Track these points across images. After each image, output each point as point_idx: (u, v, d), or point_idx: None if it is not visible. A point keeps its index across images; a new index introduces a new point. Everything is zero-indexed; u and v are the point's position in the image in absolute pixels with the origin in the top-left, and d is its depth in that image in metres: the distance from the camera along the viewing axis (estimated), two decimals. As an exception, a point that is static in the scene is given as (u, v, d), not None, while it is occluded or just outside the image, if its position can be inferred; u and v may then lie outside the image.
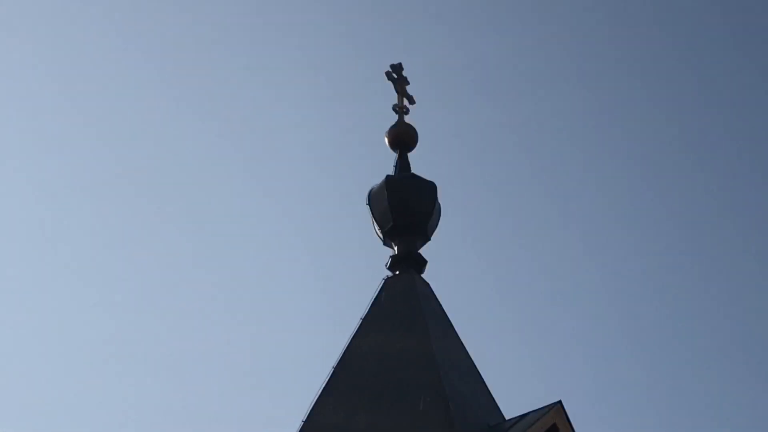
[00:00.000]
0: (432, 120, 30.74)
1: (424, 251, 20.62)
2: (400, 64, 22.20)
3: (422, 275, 20.22)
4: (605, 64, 46.66)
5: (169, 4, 48.27)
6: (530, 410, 17.13)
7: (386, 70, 22.27)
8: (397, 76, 22.11)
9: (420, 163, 21.70)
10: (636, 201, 46.00)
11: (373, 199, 20.80)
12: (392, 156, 21.51)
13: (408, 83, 22.23)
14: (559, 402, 16.47)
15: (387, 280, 20.00)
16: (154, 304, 45.77)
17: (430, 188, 20.77)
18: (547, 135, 46.03)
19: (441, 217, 21.03)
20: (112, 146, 46.11)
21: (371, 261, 23.25)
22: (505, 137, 45.58)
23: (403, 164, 21.23)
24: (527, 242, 44.07)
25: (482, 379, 18.96)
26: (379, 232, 20.76)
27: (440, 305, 19.75)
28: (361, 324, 19.39)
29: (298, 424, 18.13)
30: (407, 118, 22.01)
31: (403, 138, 21.59)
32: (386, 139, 21.69)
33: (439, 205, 20.92)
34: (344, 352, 19.06)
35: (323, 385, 18.70)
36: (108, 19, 47.02)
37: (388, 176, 20.71)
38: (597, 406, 40.29)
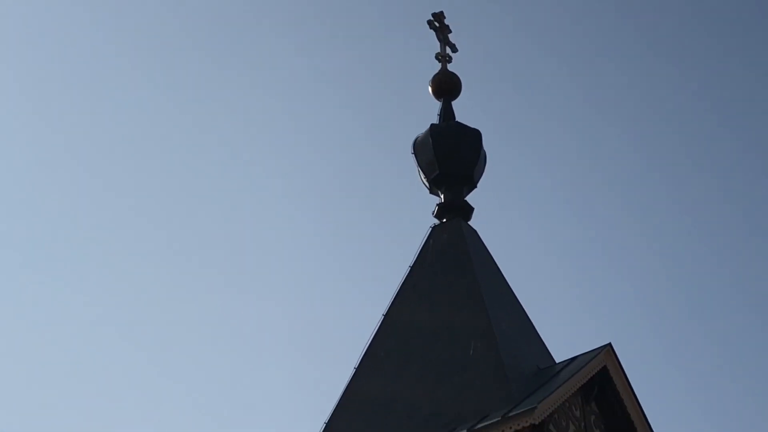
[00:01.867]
0: (475, 68, 30.65)
1: (470, 198, 20.73)
2: (441, 12, 22.18)
3: (469, 222, 20.31)
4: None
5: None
6: (580, 353, 17.21)
7: (428, 19, 22.19)
8: (439, 24, 22.06)
9: (464, 111, 21.63)
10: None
11: (418, 147, 20.89)
12: (436, 105, 21.50)
13: (450, 31, 22.14)
14: (609, 344, 16.50)
15: (434, 228, 20.15)
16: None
17: (474, 135, 20.81)
18: (589, 76, 46.04)
19: (486, 165, 21.10)
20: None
21: (418, 210, 23.16)
22: (550, 82, 45.49)
23: (447, 112, 21.23)
24: (573, 188, 44.32)
25: (531, 322, 19.21)
26: (425, 180, 20.86)
27: (488, 251, 19.90)
28: (409, 272, 19.60)
29: (351, 370, 18.55)
30: (450, 67, 21.99)
31: (446, 86, 21.58)
32: (430, 88, 21.67)
33: (485, 152, 20.95)
34: (393, 300, 19.28)
35: (375, 331, 19.10)
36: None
37: (432, 125, 20.79)
38: (647, 347, 40.62)
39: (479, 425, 15.35)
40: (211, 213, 47.10)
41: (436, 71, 21.78)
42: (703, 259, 45.36)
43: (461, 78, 21.80)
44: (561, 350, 18.79)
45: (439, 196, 20.97)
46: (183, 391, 46.52)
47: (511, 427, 15.01)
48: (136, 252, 46.77)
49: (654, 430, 17.91)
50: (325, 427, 18.44)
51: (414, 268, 20.04)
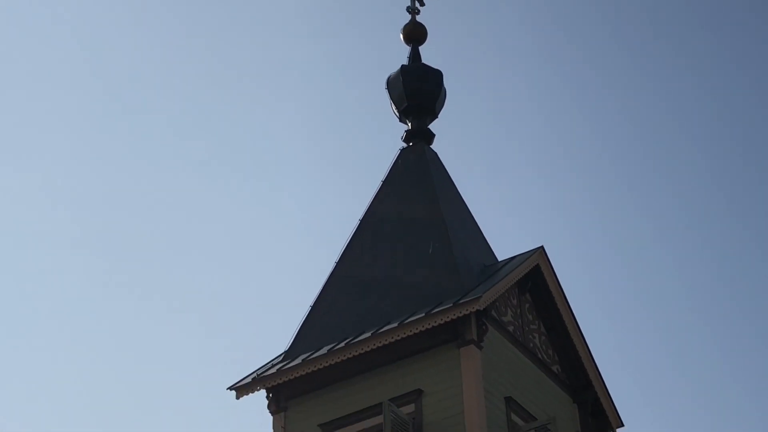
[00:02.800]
0: (440, 18, 31.56)
1: (432, 126, 21.40)
2: (412, -31, 22.98)
3: (431, 146, 21.04)
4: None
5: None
6: (517, 253, 18.19)
7: (400, -22, 22.88)
8: (409, -19, 22.96)
9: (429, 55, 22.17)
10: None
11: (390, 84, 21.41)
12: (406, 49, 22.14)
13: (419, -14, 23.07)
14: (542, 247, 17.48)
15: (402, 150, 20.74)
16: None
17: (437, 75, 21.46)
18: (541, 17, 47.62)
19: (446, 98, 21.83)
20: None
21: (390, 135, 23.61)
22: (502, 30, 47.39)
23: (415, 56, 21.86)
24: (519, 118, 46.83)
25: (479, 228, 19.98)
26: (395, 111, 21.39)
27: (445, 169, 20.61)
28: (381, 186, 20.32)
29: (330, 267, 19.24)
30: (419, 18, 22.60)
31: (414, 34, 22.17)
32: (401, 36, 22.25)
33: (445, 89, 21.62)
34: (368, 208, 20.01)
35: (354, 229, 19.84)
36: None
37: (402, 66, 21.32)
38: (577, 252, 43.16)
39: (435, 309, 16.03)
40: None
41: (407, 21, 22.28)
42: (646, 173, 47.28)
43: (427, 27, 22.35)
44: (503, 251, 19.48)
45: (407, 125, 21.27)
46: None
47: (461, 312, 15.73)
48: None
49: (575, 315, 18.60)
50: (312, 308, 18.95)
51: (386, 181, 20.49)
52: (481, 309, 15.84)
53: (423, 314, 16.10)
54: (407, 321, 16.24)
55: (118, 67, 44.96)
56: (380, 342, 16.39)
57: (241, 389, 17.55)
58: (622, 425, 18.84)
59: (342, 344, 16.78)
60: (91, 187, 44.58)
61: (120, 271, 45.27)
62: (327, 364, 16.78)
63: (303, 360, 17.13)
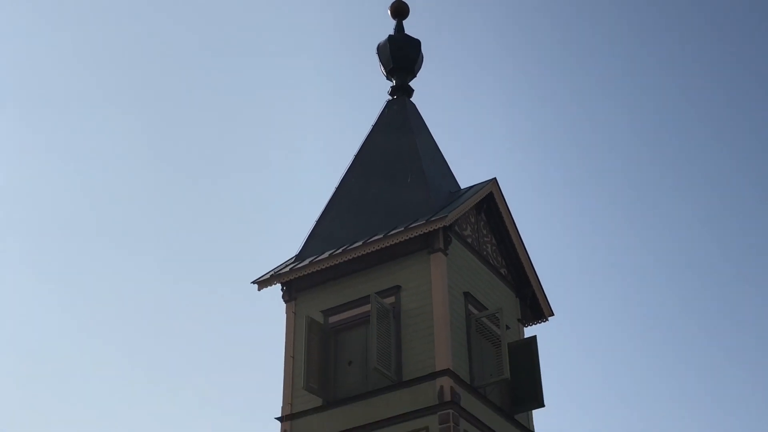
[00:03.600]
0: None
1: (412, 83, 22.34)
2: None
3: (411, 99, 21.97)
4: None
5: None
6: (475, 183, 19.32)
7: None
8: (395, -38, 23.07)
9: (411, 27, 23.24)
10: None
11: (380, 49, 22.21)
12: (393, 23, 22.90)
13: (405, -31, 23.21)
14: (494, 178, 18.77)
15: (388, 102, 21.80)
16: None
17: (416, 43, 22.31)
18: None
19: (423, 62, 22.73)
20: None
21: (379, 90, 26.44)
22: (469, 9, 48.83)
23: (399, 28, 22.60)
24: (483, 75, 50.47)
25: (447, 163, 21.06)
26: (383, 71, 22.27)
27: (422, 118, 21.65)
28: (371, 129, 21.40)
29: (329, 195, 20.37)
30: (403, -2, 23.28)
31: (400, 11, 22.86)
32: (389, 12, 23.01)
33: (423, 54, 22.49)
34: (361, 146, 21.05)
35: (351, 162, 20.90)
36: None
37: (390, 35, 22.14)
38: (529, 185, 46.83)
39: (412, 225, 17.11)
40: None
41: (394, 0, 22.95)
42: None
43: (410, 5, 22.99)
44: (465, 181, 20.49)
45: (392, 82, 22.13)
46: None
47: (432, 227, 16.89)
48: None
49: (519, 230, 19.68)
50: (317, 222, 19.90)
51: (375, 126, 21.49)
52: (447, 225, 17.00)
53: (402, 228, 17.21)
54: (390, 233, 17.34)
55: None
56: (369, 249, 17.44)
57: (262, 283, 18.49)
58: (552, 314, 19.98)
59: (339, 250, 17.83)
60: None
61: (170, 182, 48.53)
62: (328, 265, 17.79)
63: (310, 261, 18.09)
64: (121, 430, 43.80)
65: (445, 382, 15.59)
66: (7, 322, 46.33)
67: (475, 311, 17.36)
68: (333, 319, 17.66)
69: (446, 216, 16.86)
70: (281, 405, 17.40)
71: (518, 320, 19.38)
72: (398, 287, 17.10)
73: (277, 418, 17.24)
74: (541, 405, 17.26)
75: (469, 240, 18.40)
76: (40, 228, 47.04)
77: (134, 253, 48.51)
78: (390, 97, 22.10)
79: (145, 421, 43.95)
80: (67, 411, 44.22)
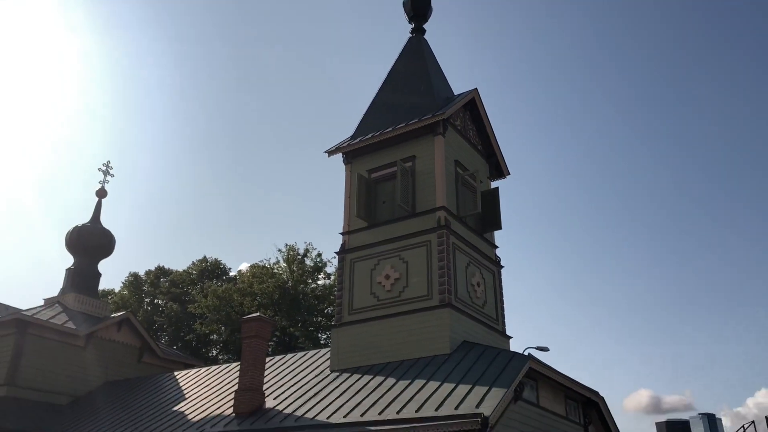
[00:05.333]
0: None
1: (425, 26, 22.54)
2: None
3: (424, 36, 22.27)
4: None
5: None
6: (464, 91, 19.76)
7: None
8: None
9: None
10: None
11: (404, 5, 22.58)
12: None
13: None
14: (476, 89, 19.25)
15: (410, 38, 22.21)
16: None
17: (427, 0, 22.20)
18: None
19: (433, 10, 22.74)
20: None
21: (403, 30, 25.38)
22: None
23: None
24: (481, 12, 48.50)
25: (447, 80, 21.23)
26: (407, 18, 22.62)
27: (431, 51, 21.93)
28: (398, 57, 21.82)
29: (371, 99, 20.59)
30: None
31: None
32: None
33: (432, 6, 22.57)
34: (391, 68, 21.36)
35: (383, 81, 21.21)
36: None
37: None
38: (506, 96, 46.76)
39: (423, 117, 17.82)
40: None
41: None
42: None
43: None
44: (458, 89, 20.71)
45: (412, 24, 22.25)
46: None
47: (435, 119, 17.61)
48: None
49: (491, 122, 20.06)
50: (364, 115, 20.20)
51: (401, 55, 21.66)
52: (446, 118, 17.87)
53: (417, 120, 17.98)
54: (410, 123, 18.13)
55: None
56: (396, 132, 18.39)
57: (331, 153, 19.48)
58: (509, 173, 20.75)
59: (378, 132, 18.79)
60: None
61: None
62: (371, 142, 18.80)
63: (360, 139, 19.07)
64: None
65: (442, 213, 16.64)
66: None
67: (461, 171, 18.14)
68: (374, 174, 18.49)
69: (444, 112, 17.52)
70: (343, 226, 18.44)
71: (488, 177, 20.03)
72: (414, 156, 17.84)
73: (341, 233, 18.28)
74: (500, 228, 18.13)
75: (459, 127, 18.93)
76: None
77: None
78: (411, 35, 22.06)
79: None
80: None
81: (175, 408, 18.99)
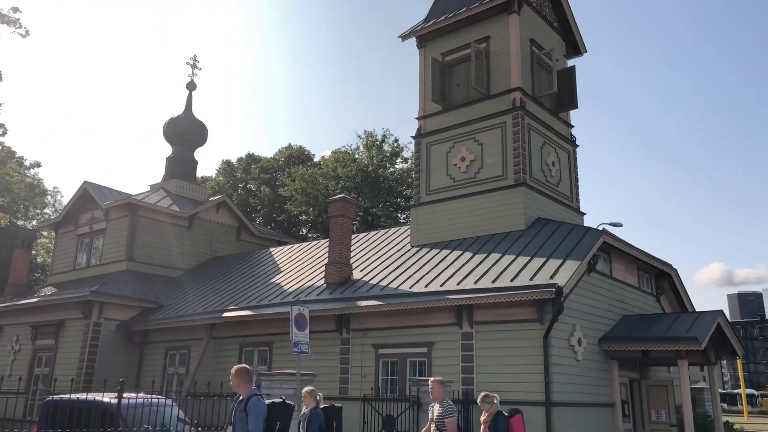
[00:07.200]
0: None
1: None
2: None
3: None
4: None
5: None
6: None
7: None
8: None
9: None
10: None
11: None
12: None
13: None
14: None
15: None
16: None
17: None
18: None
19: None
20: None
21: None
22: None
23: None
24: None
25: None
26: None
27: None
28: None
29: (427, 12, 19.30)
30: None
31: None
32: None
33: None
34: (430, 10, 19.70)
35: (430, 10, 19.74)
36: None
37: None
38: None
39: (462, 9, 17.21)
40: None
41: None
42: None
43: None
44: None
45: None
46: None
47: (467, 12, 17.48)
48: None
49: (573, 12, 18.71)
50: (429, 11, 19.27)
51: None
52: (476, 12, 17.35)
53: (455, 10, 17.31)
54: (484, 1, 17.40)
55: None
56: (470, 13, 17.70)
57: (405, 37, 19.26)
58: (586, 51, 19.81)
59: (451, 14, 18.09)
60: None
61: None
62: (444, 24, 18.37)
63: (433, 22, 18.61)
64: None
65: (517, 94, 16.39)
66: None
67: (536, 51, 17.73)
68: (448, 58, 18.18)
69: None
70: (418, 111, 18.45)
71: (564, 56, 19.48)
72: (488, 37, 17.46)
73: (417, 118, 18.36)
74: (576, 107, 17.74)
75: (534, 4, 18.39)
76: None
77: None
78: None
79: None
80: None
81: (272, 280, 20.25)
